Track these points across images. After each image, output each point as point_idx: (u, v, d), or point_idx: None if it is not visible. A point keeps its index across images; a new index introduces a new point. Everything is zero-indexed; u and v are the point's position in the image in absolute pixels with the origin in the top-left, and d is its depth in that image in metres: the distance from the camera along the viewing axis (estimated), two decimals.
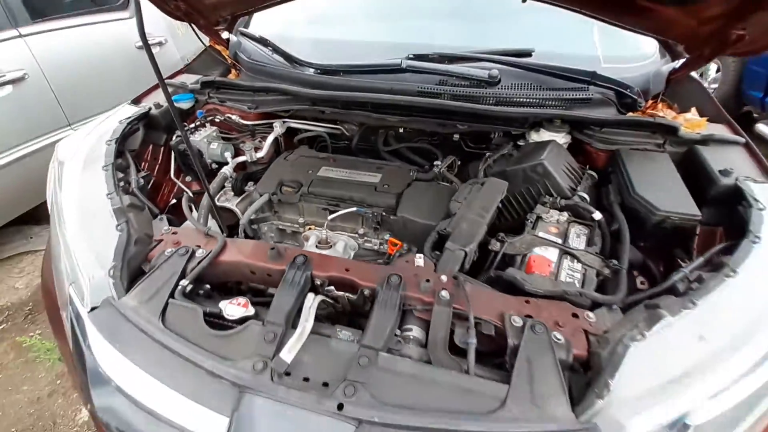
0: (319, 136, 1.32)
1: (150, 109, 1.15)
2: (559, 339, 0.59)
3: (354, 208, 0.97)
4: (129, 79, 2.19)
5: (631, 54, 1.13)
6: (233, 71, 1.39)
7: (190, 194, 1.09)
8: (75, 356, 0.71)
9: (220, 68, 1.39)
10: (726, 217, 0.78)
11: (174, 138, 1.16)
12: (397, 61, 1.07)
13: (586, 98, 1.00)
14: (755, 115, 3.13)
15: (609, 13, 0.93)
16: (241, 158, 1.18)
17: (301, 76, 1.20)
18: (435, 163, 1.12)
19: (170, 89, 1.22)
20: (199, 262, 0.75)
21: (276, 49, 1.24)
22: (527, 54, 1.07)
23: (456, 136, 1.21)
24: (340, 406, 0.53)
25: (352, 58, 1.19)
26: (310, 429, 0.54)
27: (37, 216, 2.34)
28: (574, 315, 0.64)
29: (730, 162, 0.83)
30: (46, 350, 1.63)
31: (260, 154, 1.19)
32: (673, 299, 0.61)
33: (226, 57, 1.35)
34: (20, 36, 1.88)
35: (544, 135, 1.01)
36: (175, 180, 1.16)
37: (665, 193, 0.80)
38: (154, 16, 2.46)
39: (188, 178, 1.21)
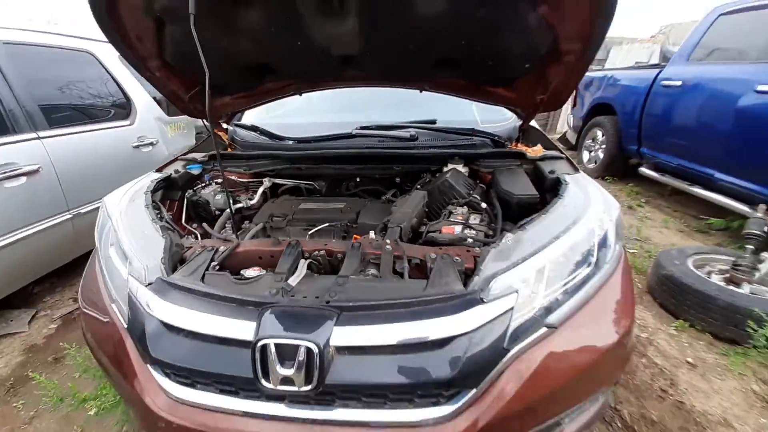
0: (297, 188, 1.77)
1: (170, 174, 1.56)
2: (456, 259, 0.99)
3: (326, 224, 1.37)
4: (122, 173, 2.60)
5: (496, 118, 1.78)
6: (230, 149, 1.87)
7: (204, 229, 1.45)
8: (132, 322, 0.98)
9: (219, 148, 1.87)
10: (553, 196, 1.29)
11: (188, 192, 1.56)
12: (350, 131, 1.62)
13: (471, 144, 1.58)
14: (636, 161, 4.10)
15: (474, 96, 1.56)
16: (238, 205, 1.58)
17: (282, 147, 1.70)
18: (383, 197, 1.59)
19: (183, 162, 1.66)
20: (222, 254, 1.09)
21: (263, 132, 1.76)
22: (433, 122, 1.67)
23: (397, 179, 1.71)
24: (327, 302, 0.87)
25: (316, 133, 1.73)
26: (308, 319, 0.86)
27: (16, 302, 2.44)
28: (467, 251, 1.05)
29: (555, 167, 1.37)
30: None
31: (253, 201, 1.61)
32: (514, 228, 1.06)
33: (225, 139, 1.84)
34: (38, 138, 2.28)
35: (451, 165, 1.53)
36: (185, 225, 1.52)
37: (519, 186, 1.31)
38: (149, 123, 3.02)
39: (194, 225, 1.57)
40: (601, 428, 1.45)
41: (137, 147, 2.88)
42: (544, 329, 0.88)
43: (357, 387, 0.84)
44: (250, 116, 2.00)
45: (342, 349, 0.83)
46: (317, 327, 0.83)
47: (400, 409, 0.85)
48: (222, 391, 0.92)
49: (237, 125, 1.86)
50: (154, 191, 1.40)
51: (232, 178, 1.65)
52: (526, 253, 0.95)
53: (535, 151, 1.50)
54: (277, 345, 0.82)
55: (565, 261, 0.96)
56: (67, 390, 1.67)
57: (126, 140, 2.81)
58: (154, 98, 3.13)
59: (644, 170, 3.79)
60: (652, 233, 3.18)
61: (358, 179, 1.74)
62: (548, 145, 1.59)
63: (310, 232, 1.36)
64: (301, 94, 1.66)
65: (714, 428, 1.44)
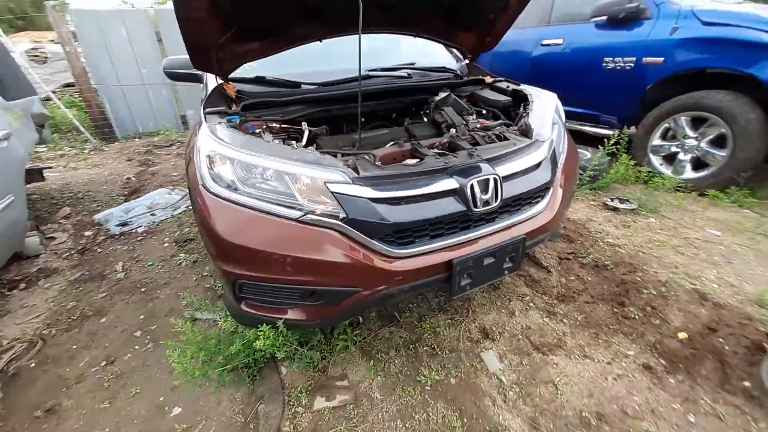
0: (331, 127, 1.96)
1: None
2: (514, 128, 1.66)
3: (392, 142, 1.76)
4: None
5: (449, 60, 2.47)
6: (234, 104, 1.85)
7: None
8: (352, 211, 1.20)
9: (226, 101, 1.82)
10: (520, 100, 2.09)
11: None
12: (365, 73, 1.96)
13: (448, 77, 2.21)
14: None
15: (448, 39, 2.17)
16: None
17: (298, 93, 1.85)
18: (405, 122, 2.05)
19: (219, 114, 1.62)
20: (377, 158, 1.39)
21: (278, 82, 1.86)
22: (413, 64, 2.20)
23: (393, 114, 2.17)
24: (481, 158, 1.38)
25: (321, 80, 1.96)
26: (478, 168, 1.35)
27: None
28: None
29: (504, 85, 2.18)
30: None
31: (302, 143, 1.76)
32: (522, 115, 1.80)
33: (233, 94, 1.82)
34: None
35: (441, 94, 2.13)
36: None
37: (498, 97, 2.05)
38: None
39: None
40: None
41: None
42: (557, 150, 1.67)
43: (514, 198, 1.41)
44: (240, 72, 1.95)
45: (503, 178, 1.38)
46: (488, 169, 1.35)
47: (529, 208, 1.48)
48: (431, 237, 1.31)
49: (243, 80, 1.85)
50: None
51: (274, 125, 1.74)
52: (539, 122, 1.69)
53: (488, 77, 2.27)
54: (477, 182, 1.29)
55: (550, 122, 1.76)
56: None
57: None
58: None
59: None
60: None
61: (380, 113, 2.10)
62: (485, 72, 2.39)
63: (402, 143, 1.68)
64: (321, 41, 1.84)
65: (584, 222, 2.70)
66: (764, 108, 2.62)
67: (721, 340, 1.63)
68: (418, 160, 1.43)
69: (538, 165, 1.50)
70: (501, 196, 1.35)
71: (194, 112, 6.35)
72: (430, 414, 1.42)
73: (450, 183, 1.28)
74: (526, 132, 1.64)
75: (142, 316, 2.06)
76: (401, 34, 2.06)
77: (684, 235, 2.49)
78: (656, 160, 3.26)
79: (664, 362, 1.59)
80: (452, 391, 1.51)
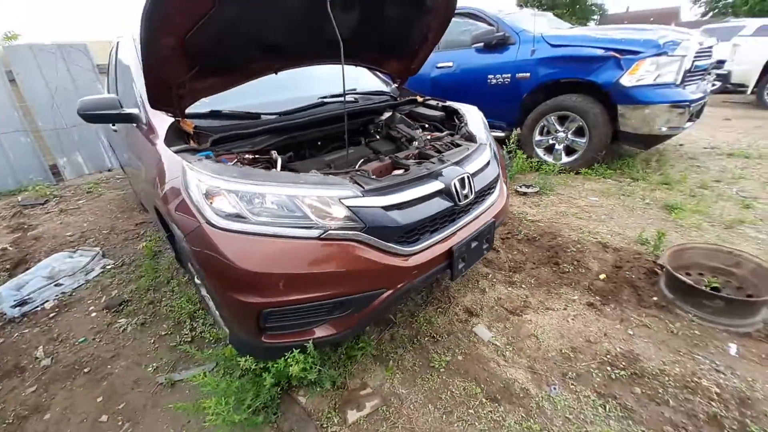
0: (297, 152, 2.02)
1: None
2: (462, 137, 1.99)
3: (363, 158, 1.92)
4: None
5: (381, 85, 2.74)
6: (192, 141, 1.78)
7: None
8: (370, 221, 1.32)
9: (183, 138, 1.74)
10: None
11: None
12: (318, 100, 2.09)
13: (387, 99, 2.48)
14: None
15: (382, 66, 2.43)
16: None
17: (267, 122, 1.89)
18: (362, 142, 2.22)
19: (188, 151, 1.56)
20: (369, 173, 1.53)
21: (237, 115, 1.86)
22: (354, 89, 2.41)
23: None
24: (450, 162, 1.66)
25: (277, 109, 2.02)
26: (454, 169, 1.62)
27: None
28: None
29: (434, 102, 2.54)
30: None
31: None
32: (460, 125, 2.17)
33: (190, 130, 1.75)
34: None
35: (385, 114, 2.37)
36: None
37: (432, 113, 2.39)
38: None
39: None
40: None
41: None
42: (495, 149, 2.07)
43: (480, 190, 1.71)
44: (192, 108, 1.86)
45: (471, 175, 1.67)
46: (461, 170, 1.62)
47: (489, 197, 1.81)
48: (431, 232, 1.51)
49: (196, 115, 1.78)
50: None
51: (247, 156, 1.73)
52: (476, 129, 2.07)
53: (419, 96, 2.61)
54: (458, 181, 1.55)
55: (483, 128, 2.16)
56: None
57: None
58: None
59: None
60: None
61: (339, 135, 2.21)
62: (417, 93, 2.74)
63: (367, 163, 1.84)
64: (277, 73, 1.89)
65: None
66: (603, 104, 3.57)
67: (627, 273, 2.21)
68: (403, 170, 1.62)
69: (488, 163, 1.84)
70: (474, 190, 1.63)
71: (86, 157, 5.40)
72: (453, 390, 1.59)
73: (438, 185, 1.51)
74: (470, 138, 1.99)
75: (99, 399, 1.75)
76: (348, 64, 2.25)
77: (576, 205, 3.21)
78: (540, 152, 4.08)
79: (599, 298, 2.07)
80: (462, 366, 1.71)
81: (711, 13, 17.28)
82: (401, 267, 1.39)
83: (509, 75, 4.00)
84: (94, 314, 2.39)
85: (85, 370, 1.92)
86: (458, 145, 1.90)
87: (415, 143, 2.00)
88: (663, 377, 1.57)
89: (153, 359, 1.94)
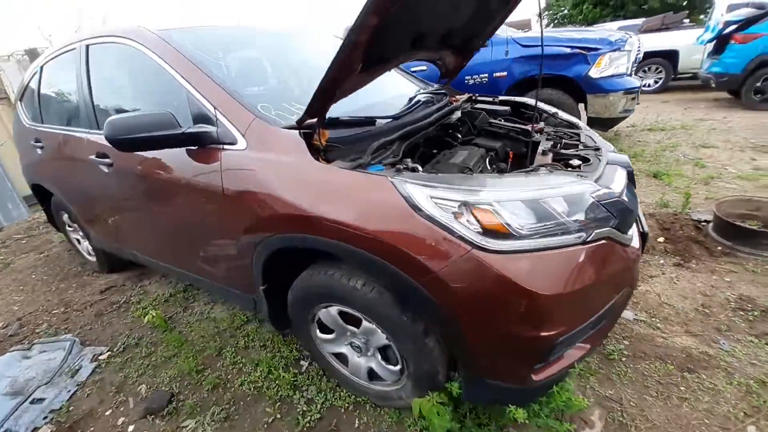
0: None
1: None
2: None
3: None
4: None
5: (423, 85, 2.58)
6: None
7: None
8: None
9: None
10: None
11: None
12: (414, 101, 1.86)
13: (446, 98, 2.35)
14: None
15: (450, 62, 2.29)
16: None
17: (395, 127, 1.60)
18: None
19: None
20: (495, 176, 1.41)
21: (356, 122, 1.53)
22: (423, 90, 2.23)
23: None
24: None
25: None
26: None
27: None
28: None
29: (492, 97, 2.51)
30: None
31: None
32: None
33: (324, 143, 1.37)
34: None
35: (456, 114, 2.25)
36: None
37: (494, 108, 2.36)
38: None
39: None
40: None
41: None
42: None
43: None
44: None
45: None
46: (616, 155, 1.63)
47: None
48: None
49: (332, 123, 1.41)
50: None
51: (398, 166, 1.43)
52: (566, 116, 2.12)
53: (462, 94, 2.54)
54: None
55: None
56: None
57: None
58: None
59: None
60: None
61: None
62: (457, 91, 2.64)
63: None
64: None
65: None
66: (571, 95, 4.04)
67: (680, 232, 2.53)
68: (582, 162, 1.54)
69: None
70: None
71: None
72: (650, 375, 1.58)
73: (623, 172, 1.48)
74: (574, 125, 2.03)
75: None
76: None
77: None
78: None
79: (679, 258, 2.32)
80: (636, 349, 1.71)
81: (552, 24, 21.30)
82: (633, 259, 1.31)
83: (486, 75, 4.24)
84: (131, 428, 1.68)
85: None
86: (576, 133, 1.90)
87: (544, 136, 1.92)
88: None
89: None
